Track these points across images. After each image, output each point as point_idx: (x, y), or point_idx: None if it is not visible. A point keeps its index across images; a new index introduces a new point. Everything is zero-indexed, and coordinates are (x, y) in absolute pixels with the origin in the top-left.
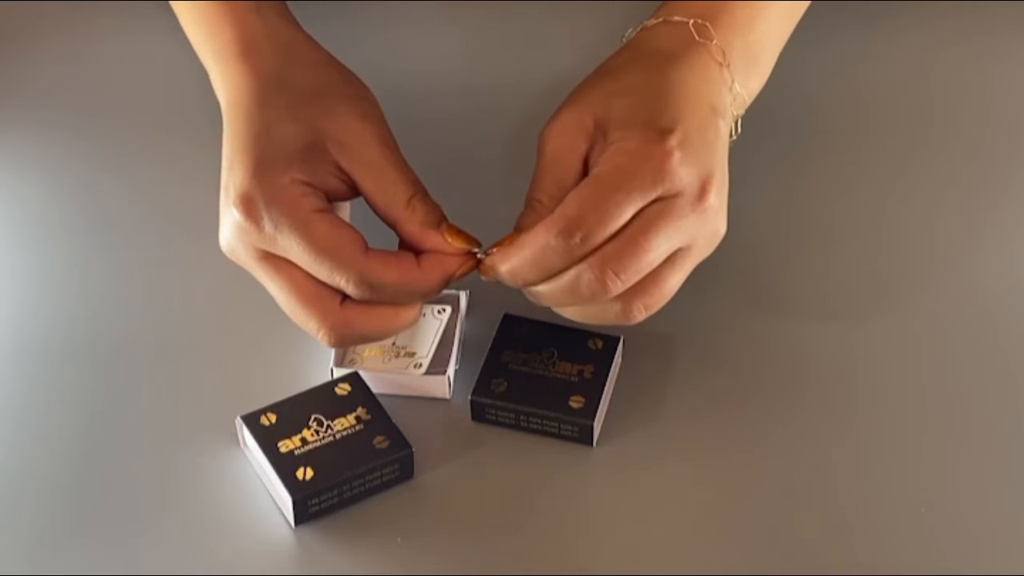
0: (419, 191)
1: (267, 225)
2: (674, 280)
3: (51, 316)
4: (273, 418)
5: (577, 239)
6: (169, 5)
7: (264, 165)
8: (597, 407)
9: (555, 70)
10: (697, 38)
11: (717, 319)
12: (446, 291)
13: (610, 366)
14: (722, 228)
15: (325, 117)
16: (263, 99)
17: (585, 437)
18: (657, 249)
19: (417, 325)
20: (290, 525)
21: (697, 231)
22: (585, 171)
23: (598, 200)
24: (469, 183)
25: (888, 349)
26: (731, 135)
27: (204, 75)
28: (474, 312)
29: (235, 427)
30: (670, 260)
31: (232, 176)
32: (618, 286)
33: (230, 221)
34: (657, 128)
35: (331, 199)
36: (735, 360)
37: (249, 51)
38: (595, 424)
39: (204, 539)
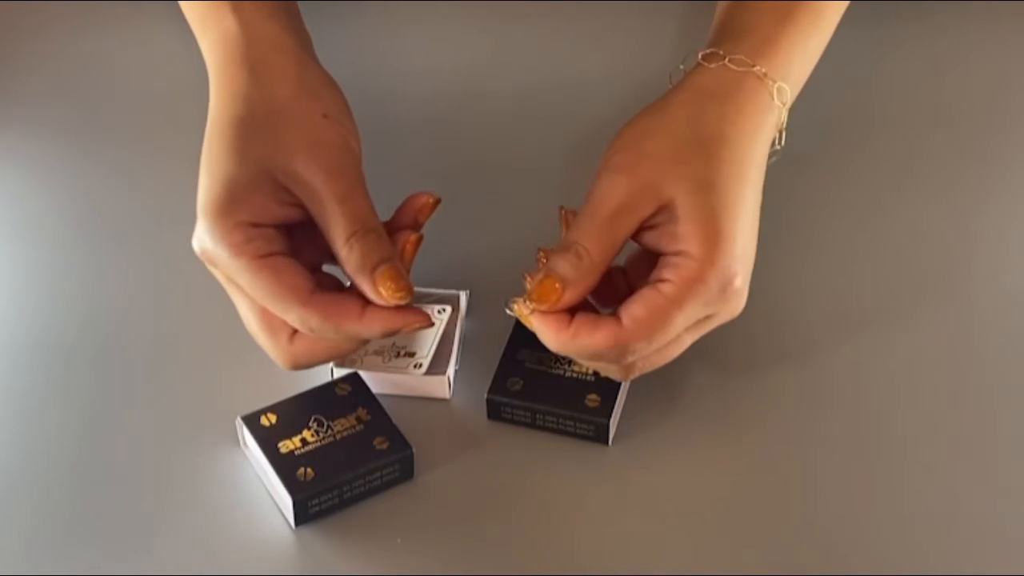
0: (360, 229)
1: (220, 263)
2: (680, 352)
3: (50, 315)
4: (273, 418)
5: (630, 357)
6: (167, 3)
7: (213, 206)
8: (613, 406)
9: (574, 74)
10: (755, 69)
11: (732, 321)
12: (446, 291)
13: None
14: (742, 305)
15: (273, 148)
16: (219, 131)
17: (601, 436)
18: (684, 348)
19: None
20: (290, 525)
21: (722, 317)
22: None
23: (666, 323)
24: (486, 187)
25: (896, 355)
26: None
27: (202, 72)
28: (474, 312)
29: (235, 427)
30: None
31: (200, 213)
32: (636, 373)
33: (200, 250)
34: (726, 253)
35: (291, 223)
36: (750, 360)
37: (225, 59)
38: (611, 423)
39: (204, 539)
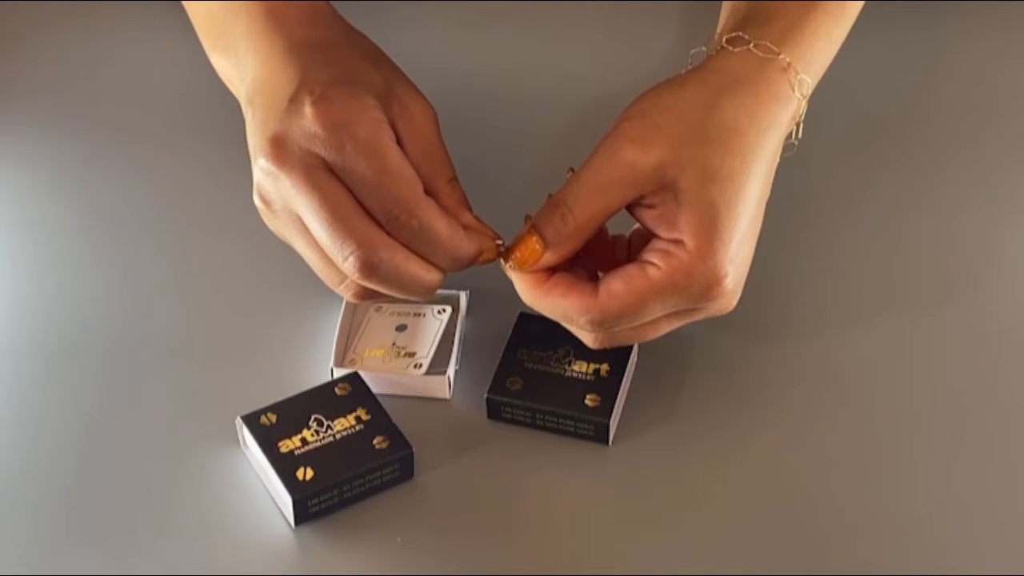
0: (456, 176)
1: (342, 134)
2: (655, 336)
3: (50, 316)
4: (273, 418)
5: (604, 329)
6: (166, 3)
7: (349, 84)
8: (613, 406)
9: (576, 74)
10: (781, 64)
11: (733, 319)
12: (446, 291)
13: (626, 364)
14: (731, 304)
15: (396, 79)
16: (337, 48)
17: (601, 436)
18: (660, 333)
19: (417, 325)
20: (290, 525)
21: (708, 312)
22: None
23: (641, 306)
24: (486, 187)
25: (903, 352)
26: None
27: (204, 75)
28: (474, 312)
29: (235, 427)
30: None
31: (307, 88)
32: (605, 345)
33: (296, 125)
34: (719, 252)
35: None
36: (750, 359)
37: (310, 21)
38: (611, 423)
39: (204, 539)
